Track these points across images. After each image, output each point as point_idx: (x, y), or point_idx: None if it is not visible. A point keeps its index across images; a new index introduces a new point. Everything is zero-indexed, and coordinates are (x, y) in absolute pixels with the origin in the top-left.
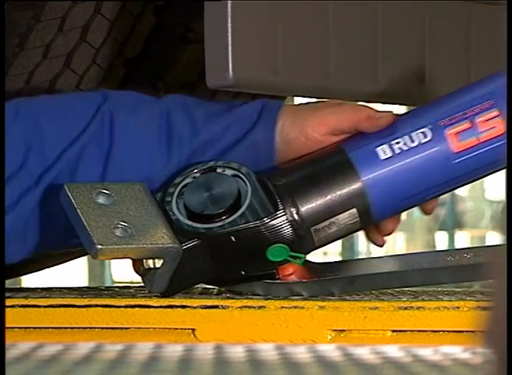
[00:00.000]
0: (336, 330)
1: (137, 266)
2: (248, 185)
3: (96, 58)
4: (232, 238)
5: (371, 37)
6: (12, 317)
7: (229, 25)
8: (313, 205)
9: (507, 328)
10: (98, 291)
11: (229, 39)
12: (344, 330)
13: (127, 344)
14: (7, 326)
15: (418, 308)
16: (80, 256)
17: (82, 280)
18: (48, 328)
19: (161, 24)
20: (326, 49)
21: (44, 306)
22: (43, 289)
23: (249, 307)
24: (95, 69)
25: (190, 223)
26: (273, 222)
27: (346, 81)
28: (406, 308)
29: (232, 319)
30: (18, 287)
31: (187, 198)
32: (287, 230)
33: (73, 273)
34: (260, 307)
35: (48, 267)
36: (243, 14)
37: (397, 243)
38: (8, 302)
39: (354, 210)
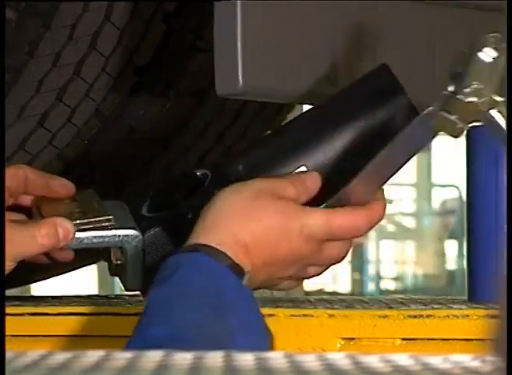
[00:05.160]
0: (345, 339)
1: (110, 268)
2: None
3: (106, 67)
4: (189, 216)
5: (380, 44)
6: (21, 325)
7: (239, 33)
8: None
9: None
10: (108, 299)
11: (239, 47)
12: (354, 339)
13: (137, 352)
14: (17, 334)
15: (428, 316)
16: (89, 264)
17: (92, 288)
18: (58, 336)
19: (172, 32)
20: (334, 57)
21: (54, 314)
22: (53, 297)
23: None
24: (105, 78)
25: (150, 214)
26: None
27: None
28: (415, 317)
29: None
30: (27, 295)
31: (153, 195)
32: None
33: (83, 281)
34: (269, 315)
35: (57, 275)
36: (253, 22)
37: (407, 251)
38: (17, 310)
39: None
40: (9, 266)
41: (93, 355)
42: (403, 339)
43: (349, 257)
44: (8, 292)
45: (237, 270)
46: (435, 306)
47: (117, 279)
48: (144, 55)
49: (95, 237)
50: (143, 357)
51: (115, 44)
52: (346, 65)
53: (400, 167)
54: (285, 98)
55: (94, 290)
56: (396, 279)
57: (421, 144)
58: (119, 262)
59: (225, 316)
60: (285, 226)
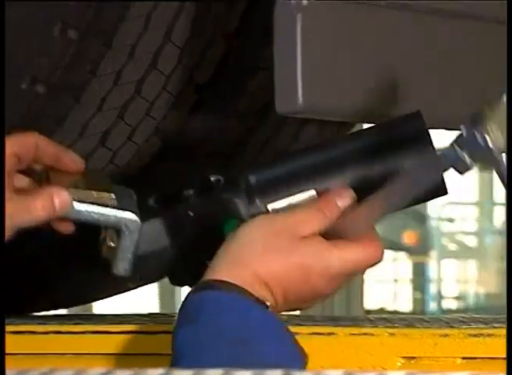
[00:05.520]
0: (405, 357)
1: (102, 249)
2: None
3: (166, 85)
4: (190, 213)
5: (442, 63)
6: (83, 343)
7: (299, 51)
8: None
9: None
10: (168, 317)
11: (299, 65)
12: (414, 357)
13: (197, 370)
14: (78, 352)
15: (489, 335)
16: (149, 283)
17: (152, 307)
18: (119, 354)
19: (232, 51)
20: (395, 76)
21: (115, 332)
22: (114, 316)
23: (319, 334)
24: (165, 96)
25: (154, 204)
26: (227, 195)
27: (418, 108)
28: (476, 336)
29: (302, 346)
30: (89, 313)
31: (162, 189)
32: (242, 203)
33: (144, 299)
34: (329, 334)
35: (118, 294)
36: (313, 40)
37: (469, 270)
38: (78, 329)
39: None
40: (6, 236)
41: (153, 373)
42: (464, 358)
43: (410, 276)
44: (70, 310)
45: (261, 304)
46: (496, 325)
47: (178, 297)
48: (205, 74)
49: (94, 212)
50: None
51: (176, 62)
52: (407, 83)
53: (403, 206)
54: (345, 116)
55: (155, 308)
56: (457, 298)
57: (427, 186)
58: (112, 244)
59: (257, 352)
60: (304, 268)
